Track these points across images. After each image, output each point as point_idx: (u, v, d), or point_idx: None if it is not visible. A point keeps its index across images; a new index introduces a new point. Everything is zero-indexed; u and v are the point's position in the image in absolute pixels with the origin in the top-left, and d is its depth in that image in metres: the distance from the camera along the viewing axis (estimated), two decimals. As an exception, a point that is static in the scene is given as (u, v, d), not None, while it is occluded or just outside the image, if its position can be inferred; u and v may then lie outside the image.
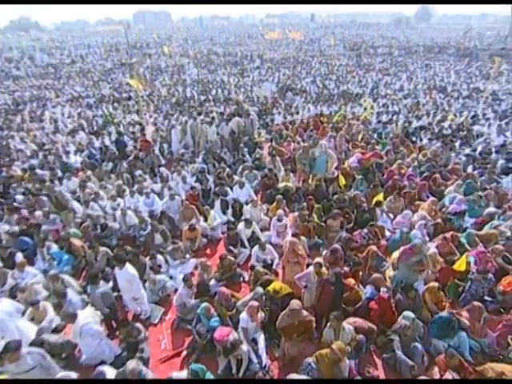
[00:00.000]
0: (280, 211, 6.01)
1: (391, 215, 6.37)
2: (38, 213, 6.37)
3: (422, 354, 3.71)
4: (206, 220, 6.32)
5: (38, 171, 8.17)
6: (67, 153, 9.25)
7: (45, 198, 6.71)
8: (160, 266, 5.26)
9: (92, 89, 19.74)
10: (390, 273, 4.93)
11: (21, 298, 4.52)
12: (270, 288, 4.29)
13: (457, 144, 9.47)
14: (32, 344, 3.54)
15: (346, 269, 4.72)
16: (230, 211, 6.63)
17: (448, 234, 5.29)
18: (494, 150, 8.80)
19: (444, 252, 5.13)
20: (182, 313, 4.50)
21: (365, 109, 13.72)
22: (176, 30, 77.08)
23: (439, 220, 5.90)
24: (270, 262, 5.36)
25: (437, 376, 3.43)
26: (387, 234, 5.93)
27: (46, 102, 16.69)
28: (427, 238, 5.60)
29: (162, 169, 8.48)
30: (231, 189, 7.08)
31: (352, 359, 3.56)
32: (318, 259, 4.65)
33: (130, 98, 16.87)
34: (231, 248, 5.70)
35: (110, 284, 4.79)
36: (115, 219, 6.31)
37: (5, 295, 4.64)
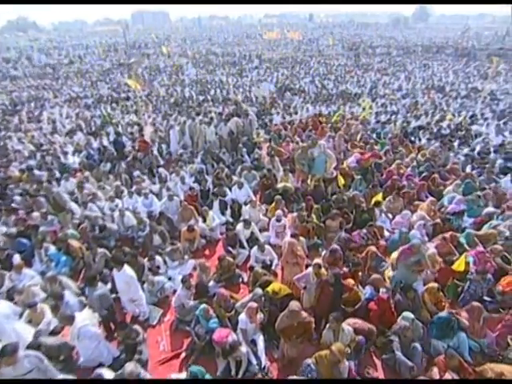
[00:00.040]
0: (279, 211, 6.00)
1: (390, 215, 6.37)
2: (36, 214, 6.32)
3: (422, 354, 3.70)
4: (204, 221, 6.30)
5: (36, 172, 8.12)
6: (65, 153, 9.22)
7: (42, 199, 6.67)
8: (158, 267, 5.25)
9: (90, 89, 19.63)
10: (389, 273, 4.93)
11: (18, 300, 4.49)
12: (269, 289, 4.28)
13: (455, 144, 9.47)
14: (29, 347, 3.51)
15: (345, 269, 4.71)
16: (228, 212, 6.61)
17: (447, 234, 5.30)
18: (492, 149, 8.81)
19: (443, 252, 5.13)
20: (180, 314, 4.48)
21: (363, 109, 13.74)
22: (174, 30, 76.80)
23: (438, 220, 5.91)
24: (269, 262, 5.34)
25: (436, 376, 3.42)
26: (386, 234, 5.93)
27: (44, 103, 16.58)
28: (426, 238, 5.60)
29: (161, 169, 8.45)
30: (230, 189, 7.06)
31: (351, 360, 3.54)
32: (317, 260, 4.64)
33: (128, 99, 16.78)
34: (230, 249, 5.69)
35: (108, 286, 4.77)
36: (113, 220, 6.29)
37: (2, 297, 4.60)
